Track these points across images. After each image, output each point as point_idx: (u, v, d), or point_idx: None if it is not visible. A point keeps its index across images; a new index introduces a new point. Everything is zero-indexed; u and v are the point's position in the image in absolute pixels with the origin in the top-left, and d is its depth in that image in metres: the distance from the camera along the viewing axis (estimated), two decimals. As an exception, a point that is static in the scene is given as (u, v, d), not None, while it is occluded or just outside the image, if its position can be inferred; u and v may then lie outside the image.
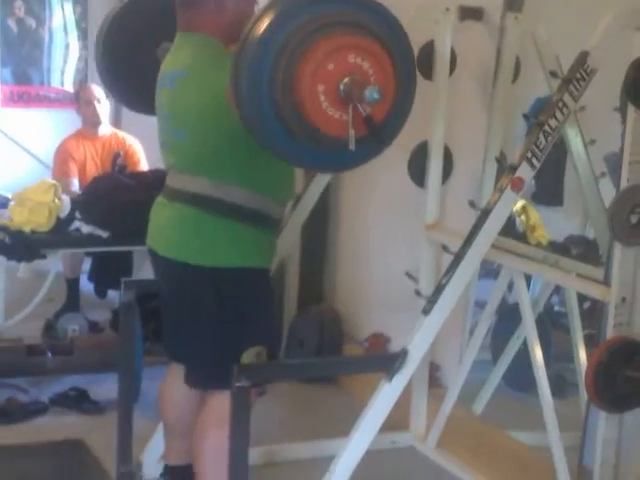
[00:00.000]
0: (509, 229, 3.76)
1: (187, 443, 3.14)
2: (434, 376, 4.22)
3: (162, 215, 3.02)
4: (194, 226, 2.90)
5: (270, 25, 2.44)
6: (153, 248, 3.04)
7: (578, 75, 3.08)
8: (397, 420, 3.56)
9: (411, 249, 4.10)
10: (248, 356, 2.85)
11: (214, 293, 2.89)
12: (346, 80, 2.41)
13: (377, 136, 2.51)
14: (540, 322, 3.66)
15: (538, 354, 3.43)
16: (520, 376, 3.92)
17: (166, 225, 2.99)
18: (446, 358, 4.33)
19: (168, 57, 3.01)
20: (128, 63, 3.35)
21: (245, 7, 2.91)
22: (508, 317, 4.08)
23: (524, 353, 3.68)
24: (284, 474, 3.62)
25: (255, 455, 3.59)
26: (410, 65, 2.69)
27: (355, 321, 4.86)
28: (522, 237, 4.07)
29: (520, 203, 3.99)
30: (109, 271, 5.21)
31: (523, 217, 4.19)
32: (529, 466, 3.67)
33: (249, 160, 2.82)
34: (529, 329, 3.51)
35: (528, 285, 3.64)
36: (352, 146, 2.45)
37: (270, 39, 2.44)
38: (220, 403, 2.87)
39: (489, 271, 4.18)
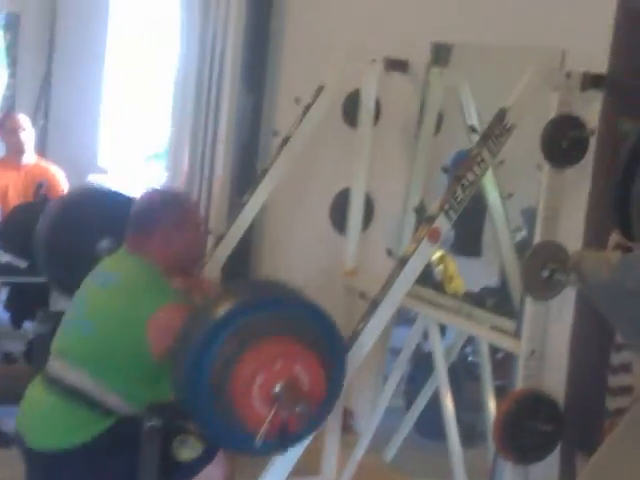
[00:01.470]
0: (427, 278, 3.80)
1: None
2: (347, 422, 4.23)
3: (37, 404, 3.00)
4: (67, 419, 2.90)
5: (210, 328, 2.59)
6: (25, 438, 2.99)
7: (497, 131, 3.15)
8: (308, 465, 3.56)
9: (329, 294, 4.12)
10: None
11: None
12: (281, 386, 2.51)
13: (283, 442, 2.60)
14: (453, 371, 3.70)
15: (448, 403, 3.47)
16: (431, 424, 3.95)
17: (42, 419, 2.97)
18: (359, 404, 4.34)
19: (109, 260, 3.12)
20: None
21: (192, 250, 3.09)
22: (422, 365, 4.11)
23: (436, 401, 3.72)
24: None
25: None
26: (341, 383, 2.82)
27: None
28: (439, 286, 4.12)
29: (438, 253, 4.04)
30: (25, 301, 5.14)
31: (441, 267, 4.23)
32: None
33: (137, 384, 2.88)
34: (441, 377, 3.55)
35: (443, 334, 3.69)
36: (258, 442, 2.51)
37: (209, 342, 2.57)
38: None
39: (406, 319, 4.22)
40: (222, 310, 2.62)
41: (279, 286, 2.84)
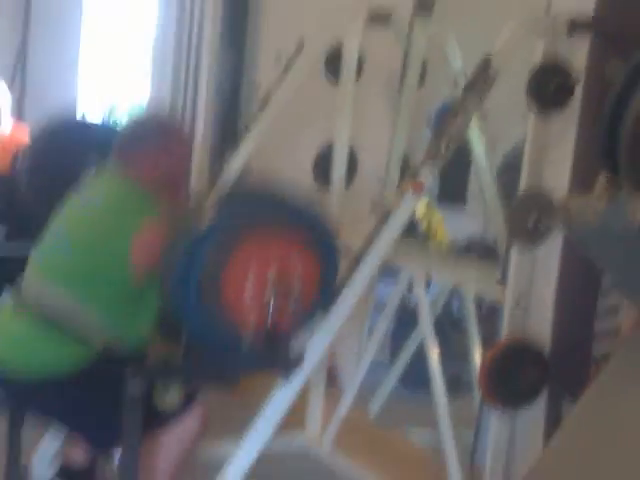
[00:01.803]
0: (410, 230, 3.80)
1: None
2: (331, 377, 4.23)
3: (7, 327, 2.93)
4: (45, 342, 2.82)
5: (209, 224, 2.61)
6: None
7: (481, 80, 3.13)
8: (292, 421, 3.56)
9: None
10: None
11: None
12: (273, 282, 2.55)
13: (271, 342, 2.63)
14: (438, 324, 3.70)
15: (434, 354, 3.47)
16: (416, 377, 3.96)
17: (17, 343, 2.88)
18: (344, 359, 4.34)
19: (92, 181, 3.06)
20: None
21: (179, 171, 3.05)
22: (407, 320, 4.11)
23: (421, 355, 3.72)
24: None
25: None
26: (332, 283, 2.86)
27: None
28: (423, 238, 4.12)
29: (423, 204, 4.04)
30: (3, 271, 5.09)
31: (425, 218, 4.23)
32: (423, 466, 3.71)
33: (117, 303, 2.83)
34: (426, 329, 3.55)
35: (427, 287, 3.68)
36: (246, 339, 2.57)
37: (203, 239, 2.58)
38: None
39: (390, 273, 4.21)
40: (216, 208, 2.67)
41: (273, 189, 2.82)
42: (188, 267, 2.58)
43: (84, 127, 3.90)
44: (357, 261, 3.20)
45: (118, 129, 3.12)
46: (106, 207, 2.89)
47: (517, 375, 2.99)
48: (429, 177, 3.19)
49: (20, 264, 4.90)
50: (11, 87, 6.47)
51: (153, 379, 2.79)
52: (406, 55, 3.89)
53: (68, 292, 2.81)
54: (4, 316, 2.95)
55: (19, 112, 6.73)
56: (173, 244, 2.65)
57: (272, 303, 2.56)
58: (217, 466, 3.03)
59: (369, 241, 3.21)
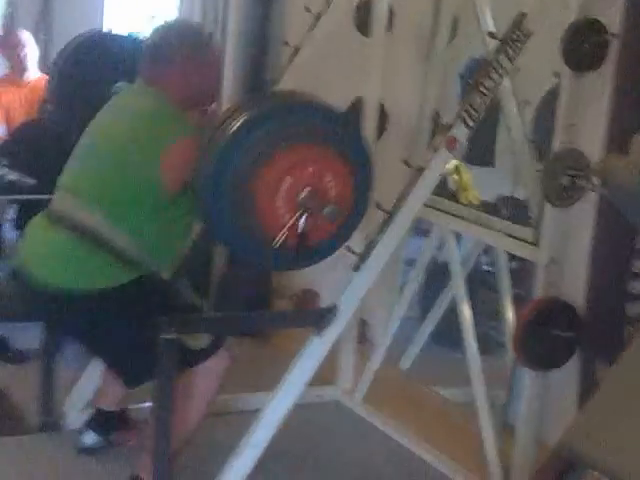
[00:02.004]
0: (441, 188, 3.78)
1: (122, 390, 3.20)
2: (362, 332, 4.25)
3: (42, 239, 2.92)
4: (79, 256, 2.81)
5: (239, 128, 2.53)
6: (33, 274, 2.89)
7: (514, 36, 3.09)
8: (324, 375, 3.58)
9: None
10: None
11: (107, 308, 2.84)
12: (308, 192, 2.48)
13: (302, 252, 2.57)
14: (469, 281, 3.70)
15: (466, 311, 3.48)
16: (448, 333, 3.97)
17: (51, 253, 2.88)
18: (375, 315, 4.36)
19: (122, 95, 3.01)
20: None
21: (209, 85, 2.98)
22: (437, 276, 4.12)
23: (452, 311, 3.73)
24: (210, 427, 3.61)
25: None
26: (367, 195, 2.75)
27: (284, 277, 4.85)
28: (454, 196, 4.10)
29: (453, 162, 4.01)
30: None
31: (455, 176, 4.21)
32: (454, 422, 3.72)
33: (148, 222, 2.81)
34: (458, 287, 3.55)
35: (458, 244, 3.68)
36: (276, 244, 2.51)
37: (238, 141, 2.52)
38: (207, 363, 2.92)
39: (419, 229, 4.22)
40: (252, 112, 2.59)
41: (308, 96, 2.78)
42: (220, 173, 2.54)
43: (111, 40, 3.74)
44: (389, 218, 3.18)
45: (148, 41, 3.00)
46: (136, 124, 2.84)
47: (551, 335, 2.99)
48: (463, 133, 3.16)
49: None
50: (36, 36, 6.47)
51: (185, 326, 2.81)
52: (437, 9, 3.84)
53: (99, 211, 2.79)
54: (39, 229, 2.94)
55: (44, 64, 6.73)
56: (204, 156, 2.60)
57: (305, 209, 2.50)
58: (251, 418, 3.03)
59: (402, 198, 3.19)
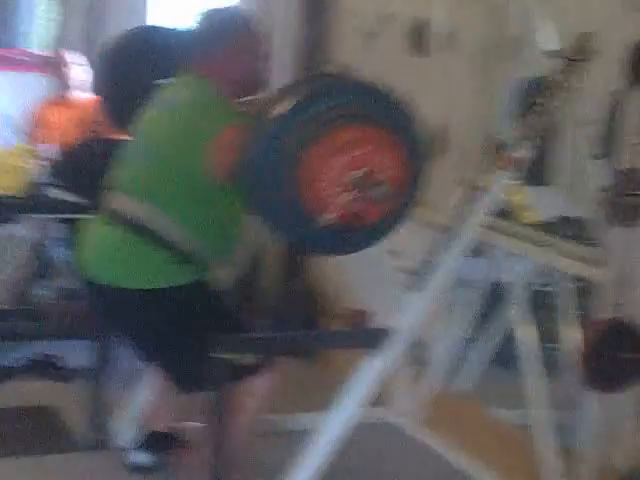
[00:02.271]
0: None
1: (172, 410, 3.21)
2: (419, 353, 4.21)
3: (99, 238, 2.94)
4: (136, 253, 2.83)
5: (290, 109, 2.50)
6: (91, 274, 2.93)
7: (579, 56, 3.07)
8: (380, 397, 3.55)
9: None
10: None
11: (163, 310, 2.86)
12: (359, 172, 2.43)
13: (355, 233, 2.54)
14: (526, 301, 3.65)
15: (523, 332, 3.43)
16: (505, 353, 3.93)
17: (107, 251, 2.90)
18: (431, 334, 4.32)
19: (168, 87, 2.98)
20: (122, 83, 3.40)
21: (257, 68, 2.93)
22: (493, 296, 4.07)
23: (509, 331, 3.68)
24: (266, 447, 3.60)
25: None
26: (421, 174, 2.69)
27: (338, 296, 4.83)
28: (511, 216, 4.06)
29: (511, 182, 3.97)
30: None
31: (513, 196, 4.17)
32: (513, 445, 3.67)
33: (206, 212, 2.81)
34: (516, 307, 3.51)
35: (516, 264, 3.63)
36: (322, 224, 2.47)
37: (289, 123, 2.48)
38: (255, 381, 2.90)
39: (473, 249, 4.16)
40: (304, 92, 2.56)
41: (358, 77, 2.75)
42: (270, 151, 2.51)
43: (158, 32, 3.65)
44: (450, 238, 3.16)
45: (193, 30, 2.96)
46: (181, 115, 2.82)
47: (618, 357, 2.95)
48: (523, 152, 3.14)
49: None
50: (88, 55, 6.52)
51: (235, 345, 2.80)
52: (498, 28, 3.82)
53: (151, 205, 2.80)
54: (94, 226, 2.96)
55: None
56: (254, 138, 2.58)
57: (356, 190, 2.46)
58: (306, 438, 3.04)
59: (461, 217, 3.18)
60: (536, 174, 4.23)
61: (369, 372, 3.05)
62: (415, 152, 2.63)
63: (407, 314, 3.10)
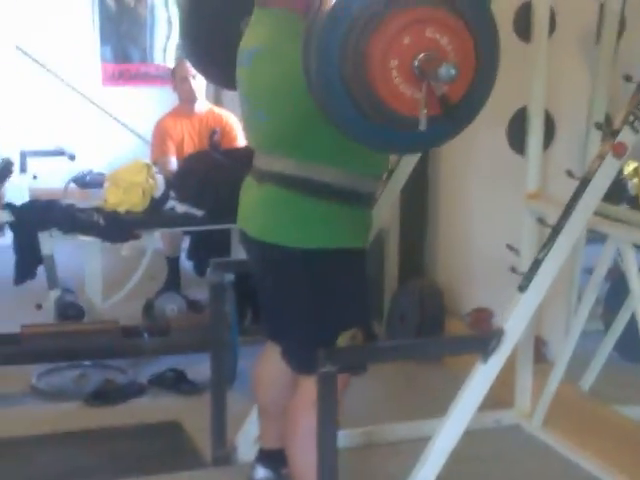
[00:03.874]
0: (620, 193, 3.57)
1: (281, 426, 3.08)
2: (540, 351, 4.07)
3: (251, 196, 2.93)
4: (284, 207, 2.79)
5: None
6: (243, 229, 2.96)
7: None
8: (502, 398, 3.43)
9: (512, 219, 3.94)
10: (343, 340, 2.75)
11: (307, 275, 2.79)
12: (421, 56, 2.26)
13: (452, 116, 2.35)
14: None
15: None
16: (634, 346, 3.73)
17: (255, 207, 2.90)
18: (552, 331, 4.16)
19: (246, 33, 2.90)
20: (210, 40, 3.23)
21: None
22: (621, 283, 3.85)
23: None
24: (382, 455, 3.54)
25: (353, 436, 3.54)
26: (492, 40, 2.46)
27: (457, 295, 4.71)
28: (635, 201, 3.87)
29: (633, 165, 3.80)
30: (208, 249, 5.16)
31: (636, 180, 3.99)
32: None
33: (333, 137, 2.64)
34: (637, 300, 3.33)
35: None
36: (423, 127, 2.30)
37: (341, 12, 2.31)
38: (311, 387, 2.79)
39: (598, 235, 3.98)
40: None
41: None
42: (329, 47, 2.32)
43: None
44: (554, 233, 3.04)
45: None
46: (271, 52, 2.73)
47: None
48: (631, 137, 2.97)
49: (222, 243, 4.99)
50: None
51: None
52: (602, 7, 3.63)
53: (289, 155, 2.75)
54: (249, 189, 2.93)
55: (217, 92, 6.84)
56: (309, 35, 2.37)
57: (425, 75, 2.25)
58: (423, 446, 2.98)
59: (566, 211, 3.05)
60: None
61: (478, 378, 2.96)
62: (482, 31, 2.38)
63: (514, 315, 2.99)
